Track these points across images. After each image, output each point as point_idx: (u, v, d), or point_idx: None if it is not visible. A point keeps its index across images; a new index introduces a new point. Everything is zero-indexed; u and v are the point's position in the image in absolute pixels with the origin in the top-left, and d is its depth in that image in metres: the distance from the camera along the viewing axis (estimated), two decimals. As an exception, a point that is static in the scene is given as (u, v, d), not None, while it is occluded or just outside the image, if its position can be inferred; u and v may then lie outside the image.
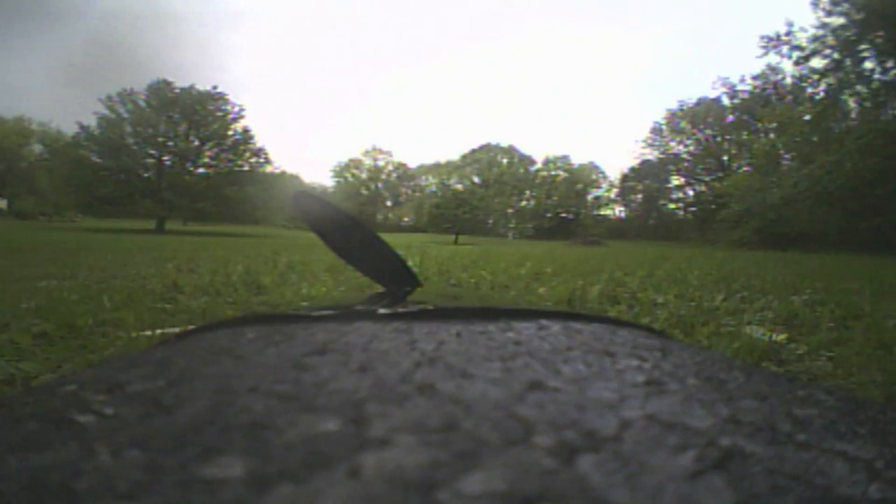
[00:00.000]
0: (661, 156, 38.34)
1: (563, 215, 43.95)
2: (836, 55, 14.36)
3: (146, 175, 22.26)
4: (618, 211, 44.99)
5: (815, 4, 14.35)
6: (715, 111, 34.17)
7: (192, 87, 23.17)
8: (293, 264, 3.24)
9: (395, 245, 0.65)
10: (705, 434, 0.12)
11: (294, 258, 3.84)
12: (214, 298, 1.73)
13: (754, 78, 28.26)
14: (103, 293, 1.68)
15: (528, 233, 45.30)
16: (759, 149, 20.97)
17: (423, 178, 52.09)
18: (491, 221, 44.21)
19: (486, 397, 0.13)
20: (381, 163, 52.43)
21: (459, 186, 44.80)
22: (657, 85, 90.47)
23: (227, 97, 23.82)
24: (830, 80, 14.71)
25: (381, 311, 0.25)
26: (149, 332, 1.17)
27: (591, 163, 46.05)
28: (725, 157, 34.35)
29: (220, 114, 23.59)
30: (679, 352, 0.22)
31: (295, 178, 46.78)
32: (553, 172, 45.72)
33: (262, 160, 24.68)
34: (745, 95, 30.38)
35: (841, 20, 14.00)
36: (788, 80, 17.27)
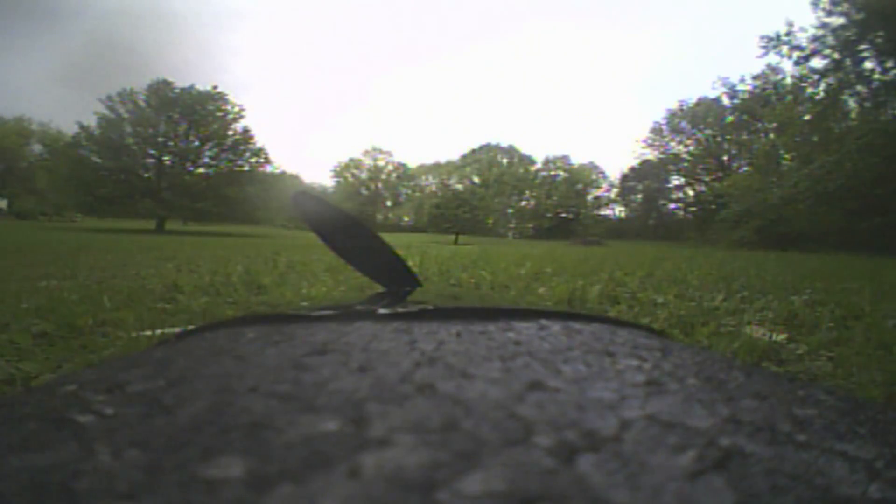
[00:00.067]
0: (661, 156, 38.31)
1: (563, 215, 43.91)
2: (836, 55, 14.35)
3: (146, 175, 22.23)
4: (618, 211, 45.04)
5: (815, 4, 14.35)
6: (715, 111, 34.14)
7: (192, 87, 23.16)
8: (293, 264, 3.24)
9: (395, 245, 0.65)
10: (705, 434, 0.12)
11: (294, 258, 3.83)
12: (214, 298, 1.73)
13: (754, 78, 28.19)
14: (103, 293, 1.68)
15: (527, 233, 45.29)
16: (759, 149, 20.97)
17: (423, 178, 52.10)
18: (491, 221, 44.21)
19: (486, 397, 0.13)
20: (381, 163, 52.42)
21: (459, 186, 44.81)
22: (657, 85, 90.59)
23: (227, 97, 23.79)
24: (830, 80, 14.69)
25: (381, 311, 0.25)
26: (149, 332, 1.17)
27: (591, 163, 46.08)
28: (725, 157, 34.35)
29: (220, 114, 23.55)
30: (679, 352, 0.21)
31: (295, 178, 46.78)
32: (553, 172, 45.72)
33: (262, 160, 24.64)
34: (745, 95, 30.37)
35: (841, 20, 14.00)
36: (788, 80, 17.23)
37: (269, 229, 30.41)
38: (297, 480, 0.09)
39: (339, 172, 52.05)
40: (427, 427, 0.11)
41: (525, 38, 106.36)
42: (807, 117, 15.52)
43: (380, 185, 52.40)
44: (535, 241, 33.93)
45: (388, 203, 52.98)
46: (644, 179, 40.04)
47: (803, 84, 15.59)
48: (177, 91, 22.87)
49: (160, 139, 22.44)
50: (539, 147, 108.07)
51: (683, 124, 36.51)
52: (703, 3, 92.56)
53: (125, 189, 20.85)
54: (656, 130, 38.31)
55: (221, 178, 23.11)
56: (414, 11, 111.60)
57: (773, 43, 15.51)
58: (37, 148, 35.67)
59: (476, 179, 47.01)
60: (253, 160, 24.36)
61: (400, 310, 0.26)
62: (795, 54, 15.21)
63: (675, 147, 37.28)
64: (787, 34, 15.21)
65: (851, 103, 15.18)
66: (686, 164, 36.84)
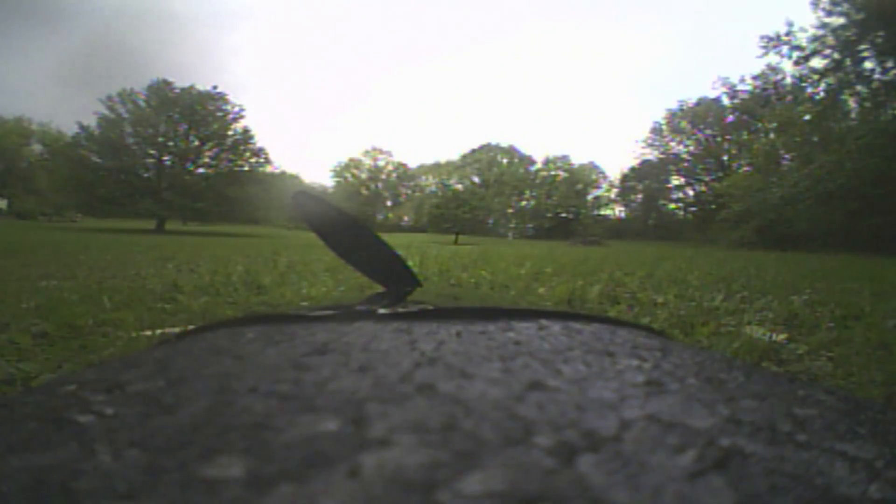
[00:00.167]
0: (661, 156, 38.34)
1: (563, 215, 43.91)
2: (836, 55, 14.37)
3: (146, 175, 22.25)
4: (618, 211, 45.03)
5: (815, 4, 14.37)
6: (715, 111, 34.15)
7: (191, 87, 23.17)
8: (293, 264, 3.24)
9: (395, 245, 0.65)
10: (705, 434, 0.12)
11: (294, 258, 3.84)
12: (214, 298, 1.73)
13: (754, 78, 28.20)
14: (103, 293, 1.68)
15: (527, 233, 45.29)
16: (759, 149, 20.98)
17: (423, 178, 52.10)
18: (491, 221, 44.20)
19: (486, 397, 0.13)
20: (381, 163, 52.45)
21: (459, 186, 44.78)
22: (657, 85, 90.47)
23: (226, 97, 23.81)
24: (830, 80, 14.72)
25: (381, 311, 0.25)
26: (149, 332, 1.17)
27: (591, 163, 46.08)
28: (725, 157, 34.34)
29: (219, 114, 23.57)
30: (679, 352, 0.21)
31: (295, 178, 46.73)
32: (553, 172, 45.70)
33: (262, 160, 24.66)
34: (745, 95, 30.35)
35: (841, 20, 14.02)
36: (788, 80, 17.26)
37: (269, 229, 30.40)
38: (298, 480, 0.09)
39: (338, 172, 52.08)
40: (427, 427, 0.11)
41: (525, 38, 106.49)
42: (807, 117, 15.52)
43: (380, 185, 52.41)
44: (534, 241, 33.92)
45: (388, 203, 53.02)
46: (644, 179, 40.03)
47: (803, 84, 15.61)
48: (177, 91, 22.88)
49: (160, 139, 22.45)
50: (539, 147, 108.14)
51: (683, 124, 36.53)
52: (703, 3, 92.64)
53: (125, 189, 20.86)
54: (656, 130, 38.34)
55: (221, 178, 23.11)
56: (414, 11, 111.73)
57: (773, 43, 15.54)
58: (37, 148, 35.66)
59: (476, 179, 47.02)
60: (253, 160, 24.38)
61: (400, 310, 0.26)
62: (795, 54, 15.23)
63: (675, 147, 37.33)
64: (787, 34, 15.23)
65: (851, 103, 15.20)
66: (686, 164, 36.85)
